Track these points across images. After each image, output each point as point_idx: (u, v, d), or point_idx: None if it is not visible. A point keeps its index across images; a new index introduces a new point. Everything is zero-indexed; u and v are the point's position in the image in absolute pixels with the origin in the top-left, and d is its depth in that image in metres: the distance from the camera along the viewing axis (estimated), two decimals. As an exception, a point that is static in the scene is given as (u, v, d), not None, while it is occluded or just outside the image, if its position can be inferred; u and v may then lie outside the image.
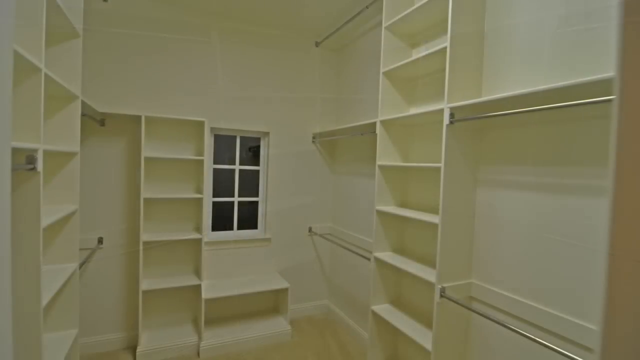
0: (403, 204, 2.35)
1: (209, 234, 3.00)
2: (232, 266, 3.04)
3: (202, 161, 2.71)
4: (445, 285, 1.72)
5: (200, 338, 2.63)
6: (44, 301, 1.46)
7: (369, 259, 2.35)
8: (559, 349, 1.25)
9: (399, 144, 2.32)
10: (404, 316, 2.14)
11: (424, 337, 1.86)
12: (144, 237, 2.54)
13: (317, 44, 3.26)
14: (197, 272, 2.81)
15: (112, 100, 2.55)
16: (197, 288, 2.77)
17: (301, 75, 3.24)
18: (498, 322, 1.53)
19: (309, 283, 3.38)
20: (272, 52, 3.10)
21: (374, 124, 2.30)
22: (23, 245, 1.39)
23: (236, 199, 3.17)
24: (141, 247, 2.50)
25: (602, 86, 1.12)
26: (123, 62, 2.59)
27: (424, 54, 1.88)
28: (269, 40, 3.07)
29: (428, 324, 1.98)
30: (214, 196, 3.04)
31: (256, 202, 3.25)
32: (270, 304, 3.21)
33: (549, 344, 1.28)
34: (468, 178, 1.81)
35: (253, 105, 3.05)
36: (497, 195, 1.73)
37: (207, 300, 2.75)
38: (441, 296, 1.71)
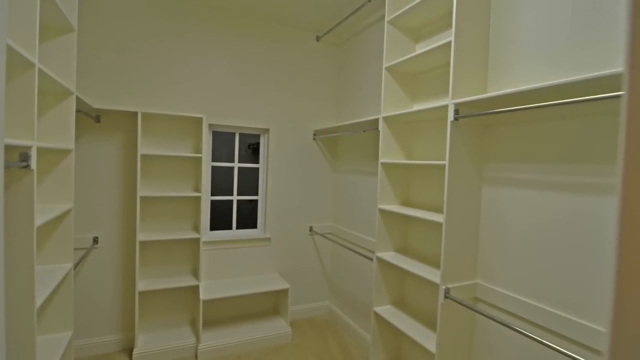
0: (406, 203, 2.31)
1: (207, 234, 2.96)
2: (231, 266, 2.99)
3: (200, 158, 2.66)
4: (449, 285, 1.68)
5: (198, 340, 2.58)
6: (38, 302, 1.42)
7: (371, 259, 2.31)
8: (567, 352, 1.21)
9: (402, 141, 2.28)
10: (407, 317, 2.10)
11: (427, 339, 1.82)
12: (141, 236, 2.49)
13: (317, 39, 3.22)
14: (195, 273, 2.76)
15: (107, 96, 2.50)
16: (195, 289, 2.72)
17: (302, 71, 3.19)
18: (504, 324, 1.48)
19: (310, 284, 3.33)
20: (272, 47, 3.05)
21: (377, 120, 2.26)
22: (16, 245, 1.35)
23: (235, 198, 3.12)
24: (137, 247, 2.45)
25: (611, 82, 1.08)
26: (119, 57, 2.54)
27: (427, 48, 1.84)
28: (269, 34, 3.03)
29: (432, 326, 1.94)
30: (212, 194, 2.99)
31: (255, 201, 3.21)
32: (270, 305, 3.17)
33: (557, 347, 1.24)
34: (473, 176, 1.76)
35: (252, 101, 3.00)
36: (503, 193, 1.69)
37: (205, 302, 2.71)
38: (445, 297, 1.67)
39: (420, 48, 2.20)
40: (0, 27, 0.77)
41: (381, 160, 2.19)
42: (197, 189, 2.75)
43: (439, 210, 1.99)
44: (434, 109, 1.80)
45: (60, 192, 1.93)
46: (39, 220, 1.45)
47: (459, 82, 1.66)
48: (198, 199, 2.71)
